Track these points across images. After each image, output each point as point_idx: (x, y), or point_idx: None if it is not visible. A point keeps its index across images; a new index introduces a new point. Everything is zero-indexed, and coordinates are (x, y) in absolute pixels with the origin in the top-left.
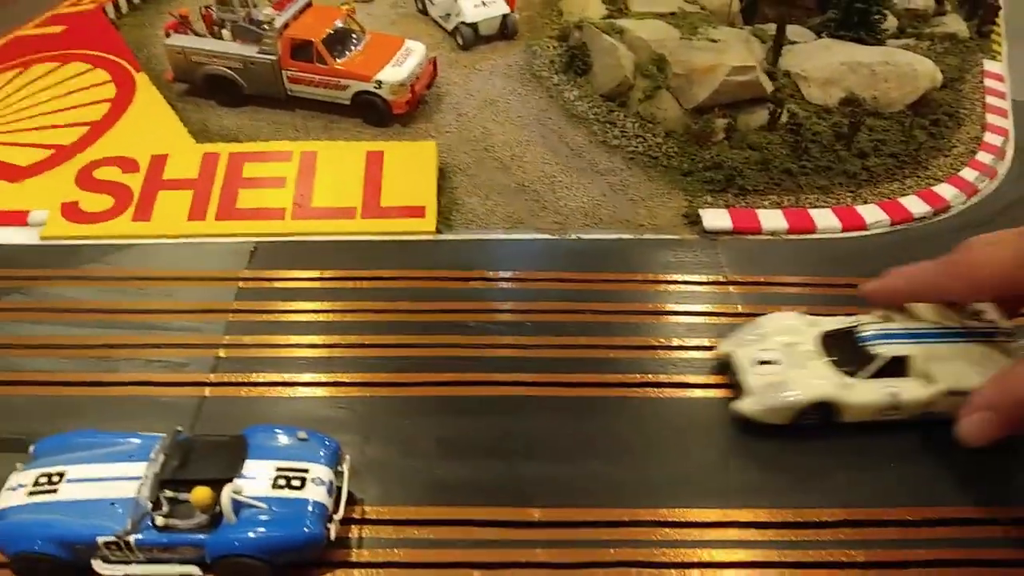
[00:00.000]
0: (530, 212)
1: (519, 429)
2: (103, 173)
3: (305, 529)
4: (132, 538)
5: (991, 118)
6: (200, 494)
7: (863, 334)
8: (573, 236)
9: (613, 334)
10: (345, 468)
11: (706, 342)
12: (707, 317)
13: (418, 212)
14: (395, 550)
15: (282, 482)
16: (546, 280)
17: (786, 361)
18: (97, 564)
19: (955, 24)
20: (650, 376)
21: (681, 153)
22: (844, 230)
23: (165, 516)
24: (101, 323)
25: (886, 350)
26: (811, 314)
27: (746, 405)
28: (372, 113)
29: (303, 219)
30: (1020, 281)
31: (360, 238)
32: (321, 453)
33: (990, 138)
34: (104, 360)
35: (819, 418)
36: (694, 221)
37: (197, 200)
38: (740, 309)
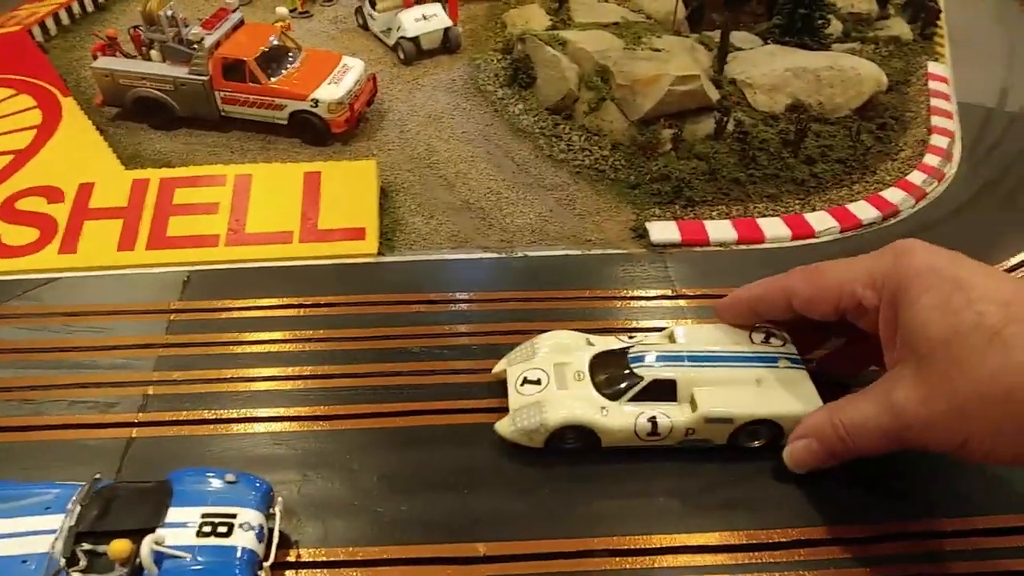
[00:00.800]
0: (476, 230)
1: (467, 460)
2: (27, 204)
3: None
4: None
5: (937, 120)
6: (118, 547)
7: (632, 355)
8: (520, 254)
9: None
10: (277, 510)
11: None
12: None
13: (358, 234)
14: None
15: (208, 529)
16: (493, 300)
17: (551, 382)
18: None
19: (898, 27)
20: None
21: (628, 165)
22: (793, 238)
23: (82, 572)
24: (24, 363)
25: (649, 373)
26: (591, 333)
27: (502, 426)
28: (310, 132)
29: (238, 245)
30: (862, 297)
31: (298, 263)
32: (251, 496)
33: (936, 140)
34: (27, 403)
35: (580, 442)
36: (642, 234)
37: (126, 229)
38: (690, 322)
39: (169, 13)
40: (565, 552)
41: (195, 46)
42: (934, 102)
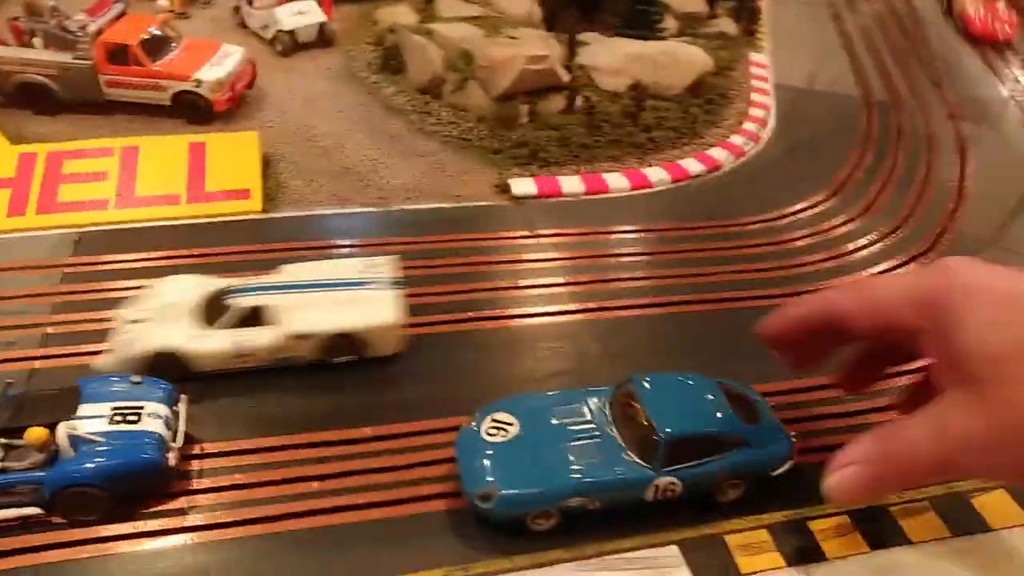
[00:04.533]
0: (354, 190)
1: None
2: None
3: (143, 456)
4: None
5: (756, 96)
6: (35, 433)
7: (231, 289)
8: (396, 208)
9: (438, 284)
10: (182, 407)
11: (521, 282)
12: (514, 264)
13: (243, 194)
14: (235, 475)
15: (118, 419)
16: (373, 246)
17: (156, 319)
18: None
19: (726, 25)
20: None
21: (491, 135)
22: (632, 189)
23: (0, 460)
24: None
25: (239, 302)
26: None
27: (101, 361)
28: (193, 112)
29: (127, 208)
30: (911, 311)
31: (186, 221)
32: (156, 392)
33: (754, 112)
34: None
35: (173, 368)
36: (505, 190)
37: (15, 198)
38: (551, 256)
39: (51, 3)
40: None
41: (79, 32)
42: (754, 83)
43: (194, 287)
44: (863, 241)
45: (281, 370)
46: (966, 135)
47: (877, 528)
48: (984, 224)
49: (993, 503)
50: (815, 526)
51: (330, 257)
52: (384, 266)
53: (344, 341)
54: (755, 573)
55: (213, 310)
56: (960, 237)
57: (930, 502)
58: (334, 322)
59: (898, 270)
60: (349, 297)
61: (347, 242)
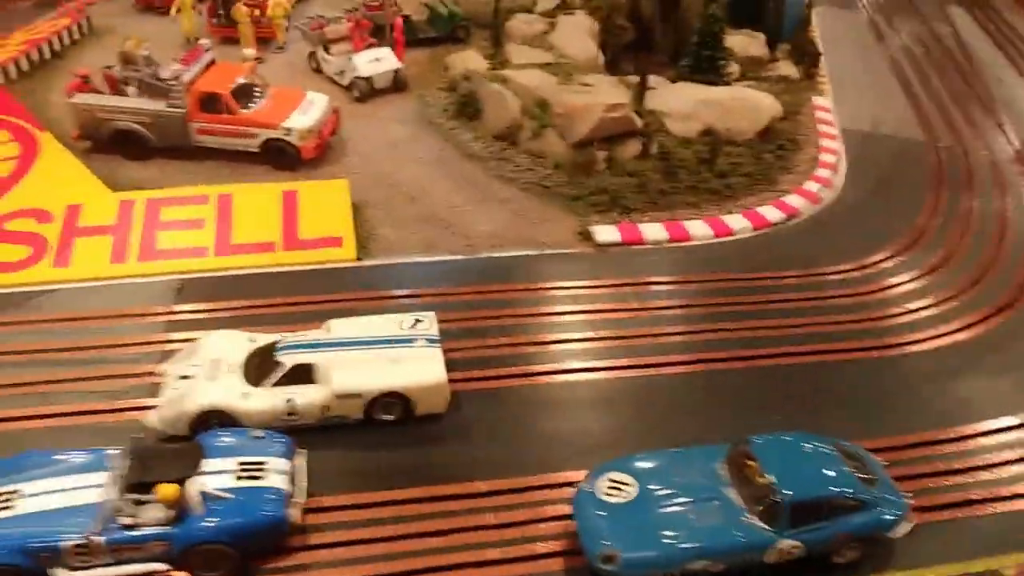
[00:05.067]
0: (441, 238)
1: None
2: (16, 225)
3: (267, 513)
4: (100, 539)
5: (824, 142)
6: (166, 490)
7: (280, 346)
8: (484, 255)
9: (528, 333)
10: (302, 461)
11: (607, 333)
12: (608, 314)
13: (336, 242)
14: (355, 530)
15: (244, 474)
16: (462, 294)
17: (203, 376)
18: (60, 572)
19: (787, 68)
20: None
21: (569, 182)
22: (716, 236)
23: (131, 517)
24: (39, 363)
25: (289, 359)
26: (257, 332)
27: (150, 417)
28: (282, 159)
29: (225, 255)
30: None
31: (283, 269)
32: (277, 447)
33: (825, 157)
34: (46, 395)
35: (223, 426)
36: (587, 237)
37: (117, 244)
38: (634, 305)
39: (146, 53)
40: None
41: (172, 81)
42: (821, 127)
43: (240, 342)
44: (941, 295)
45: (344, 426)
46: None
47: None
48: None
49: None
50: None
51: (422, 303)
52: (428, 322)
53: (392, 399)
54: None
55: (261, 366)
56: None
57: None
58: (382, 381)
59: None
60: (396, 355)
61: (438, 290)
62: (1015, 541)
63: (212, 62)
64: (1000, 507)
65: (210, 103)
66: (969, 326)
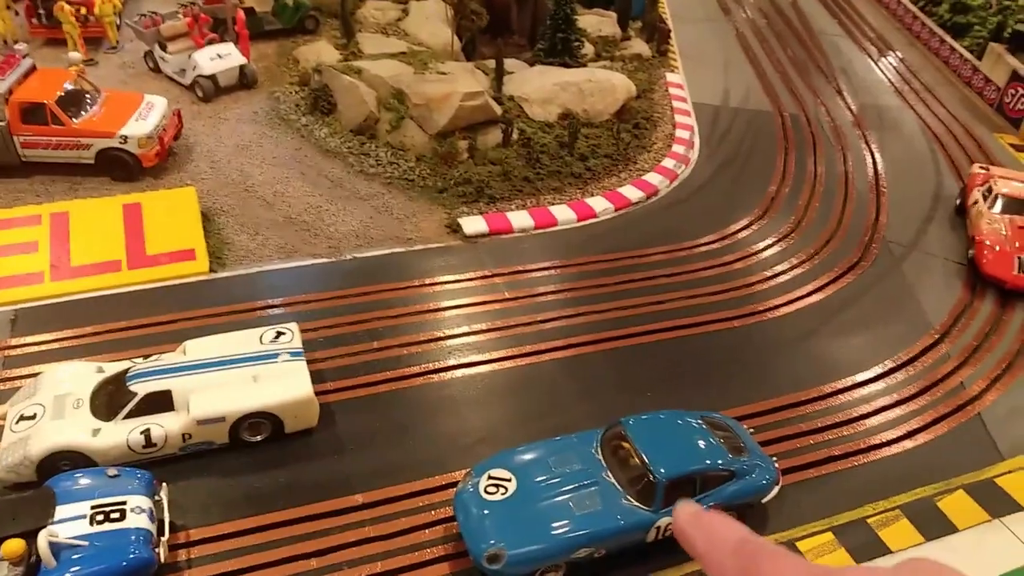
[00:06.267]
0: (302, 241)
1: (333, 430)
2: None
3: (131, 556)
4: None
5: (679, 118)
6: (11, 546)
7: (130, 374)
8: (348, 256)
9: (401, 334)
10: (164, 495)
11: (482, 326)
12: (480, 307)
13: (188, 255)
14: (228, 561)
15: (100, 517)
16: (329, 299)
17: (48, 414)
18: None
19: (639, 46)
20: (434, 365)
21: (433, 174)
22: (579, 220)
23: None
24: None
25: (142, 387)
26: (109, 360)
27: None
28: (120, 169)
29: (65, 279)
30: None
31: (131, 289)
32: (135, 484)
33: (680, 133)
34: None
35: (76, 467)
36: (455, 229)
37: None
38: (507, 295)
39: None
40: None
41: None
42: (675, 104)
43: (87, 374)
44: (795, 260)
45: (210, 451)
46: (873, 141)
47: (860, 543)
48: (903, 229)
49: (955, 503)
50: (803, 546)
51: (284, 314)
52: (290, 334)
53: (258, 420)
54: None
55: (111, 398)
56: (885, 244)
57: (901, 510)
58: (245, 402)
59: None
60: (257, 372)
61: (301, 298)
62: (877, 489)
63: (33, 68)
64: (862, 459)
65: (34, 114)
66: (823, 287)
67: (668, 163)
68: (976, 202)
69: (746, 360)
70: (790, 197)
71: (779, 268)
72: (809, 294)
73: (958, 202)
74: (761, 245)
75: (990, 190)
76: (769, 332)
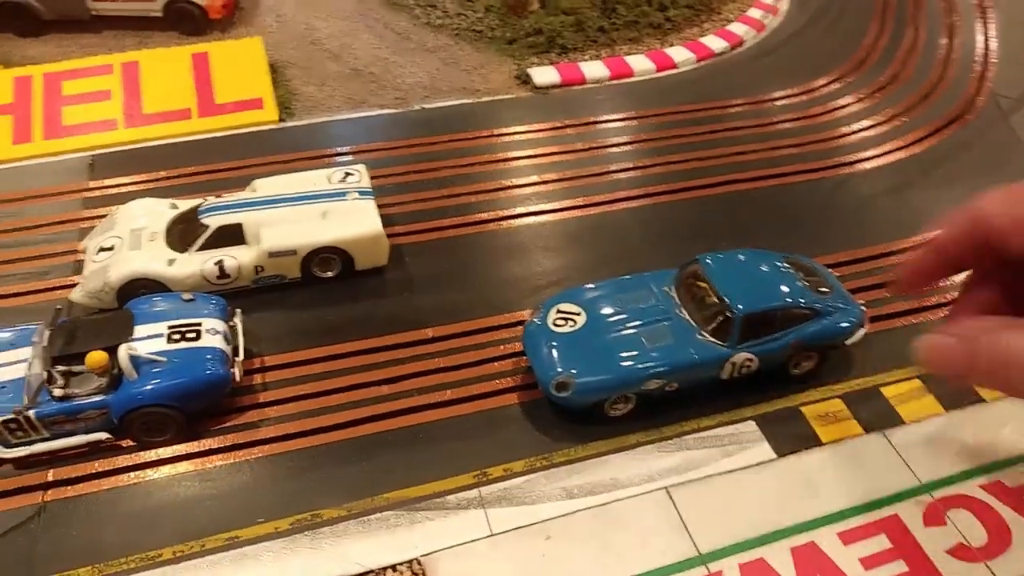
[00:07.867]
0: (370, 92)
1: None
2: None
3: (205, 372)
4: (32, 413)
5: None
6: (95, 357)
7: (202, 208)
8: (416, 107)
9: (470, 183)
10: (238, 321)
11: (552, 175)
12: (552, 157)
13: (256, 104)
14: (301, 386)
15: (176, 336)
16: (397, 147)
17: (125, 246)
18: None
19: None
20: (503, 212)
21: (503, 25)
22: (658, 71)
23: (61, 388)
24: None
25: (214, 220)
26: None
27: (75, 293)
28: (188, 22)
29: (137, 126)
30: None
31: (201, 136)
32: (210, 308)
33: None
34: None
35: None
36: (525, 80)
37: (19, 124)
38: (579, 146)
39: None
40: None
41: None
42: None
43: (161, 210)
44: (891, 112)
45: (283, 287)
46: None
47: (948, 389)
48: (1014, 82)
49: None
50: (888, 392)
51: (357, 163)
52: (358, 174)
53: (329, 255)
54: (834, 442)
55: (185, 232)
56: (993, 97)
57: None
58: (315, 235)
59: None
60: (327, 209)
61: (370, 146)
62: None
63: None
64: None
65: None
66: (918, 140)
67: (755, 13)
68: None
69: (832, 209)
70: (886, 53)
71: (869, 122)
72: (901, 148)
73: None
74: (851, 99)
75: None
76: (857, 184)
